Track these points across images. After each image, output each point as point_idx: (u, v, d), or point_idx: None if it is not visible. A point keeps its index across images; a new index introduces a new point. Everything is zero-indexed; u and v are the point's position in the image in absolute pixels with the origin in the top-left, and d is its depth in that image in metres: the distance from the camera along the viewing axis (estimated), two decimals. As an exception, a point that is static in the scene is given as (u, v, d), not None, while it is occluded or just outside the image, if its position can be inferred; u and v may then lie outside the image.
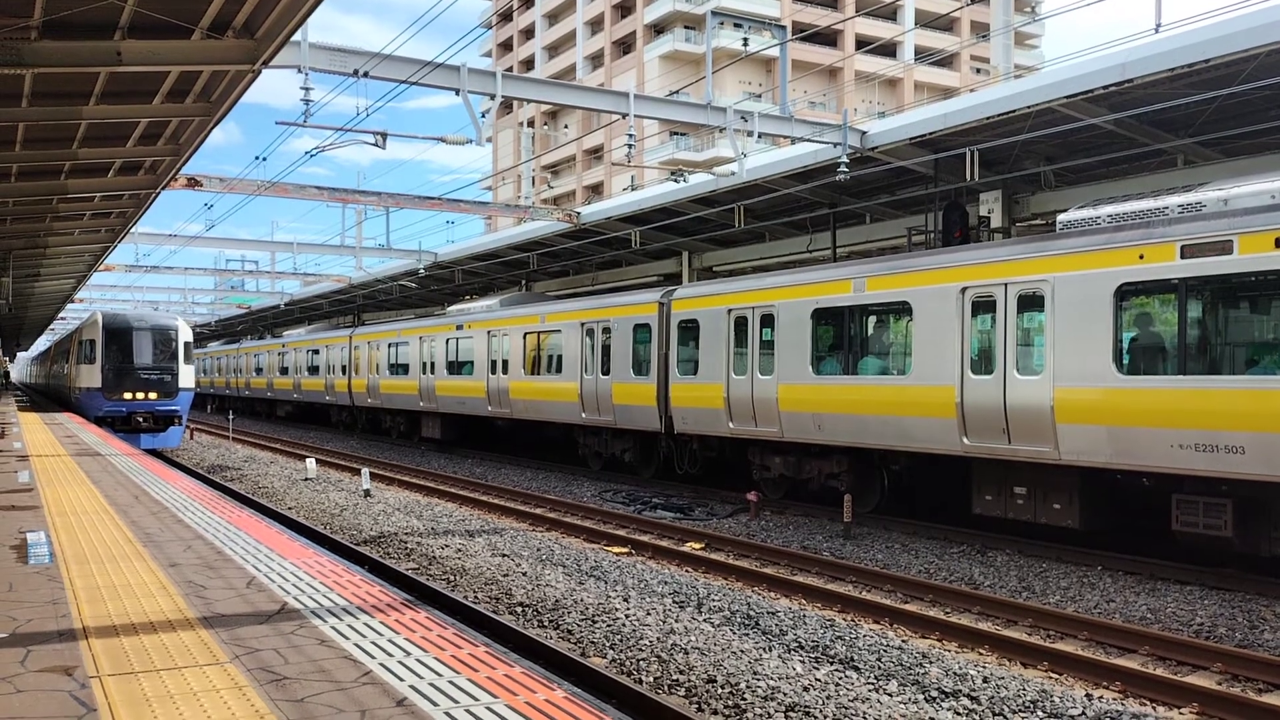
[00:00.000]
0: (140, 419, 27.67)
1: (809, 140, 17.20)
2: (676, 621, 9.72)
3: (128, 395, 27.65)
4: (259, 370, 48.74)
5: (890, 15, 72.58)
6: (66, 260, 28.12)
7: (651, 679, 8.22)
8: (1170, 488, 11.68)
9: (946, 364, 13.87)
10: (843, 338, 15.86)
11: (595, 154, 75.60)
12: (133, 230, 23.59)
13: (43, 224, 20.16)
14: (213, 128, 12.80)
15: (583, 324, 22.38)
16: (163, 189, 16.94)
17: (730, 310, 17.96)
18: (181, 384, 28.40)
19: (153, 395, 27.91)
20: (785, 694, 7.53)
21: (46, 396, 52.18)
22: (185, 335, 28.82)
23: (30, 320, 51.98)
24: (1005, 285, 13.19)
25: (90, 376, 27.94)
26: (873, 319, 15.91)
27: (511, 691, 4.86)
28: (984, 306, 13.58)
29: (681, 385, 19.10)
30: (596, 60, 78.79)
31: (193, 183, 19.87)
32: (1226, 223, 10.91)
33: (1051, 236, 13.13)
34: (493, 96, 14.54)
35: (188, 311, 56.03)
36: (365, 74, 13.30)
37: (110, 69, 9.70)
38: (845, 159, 16.76)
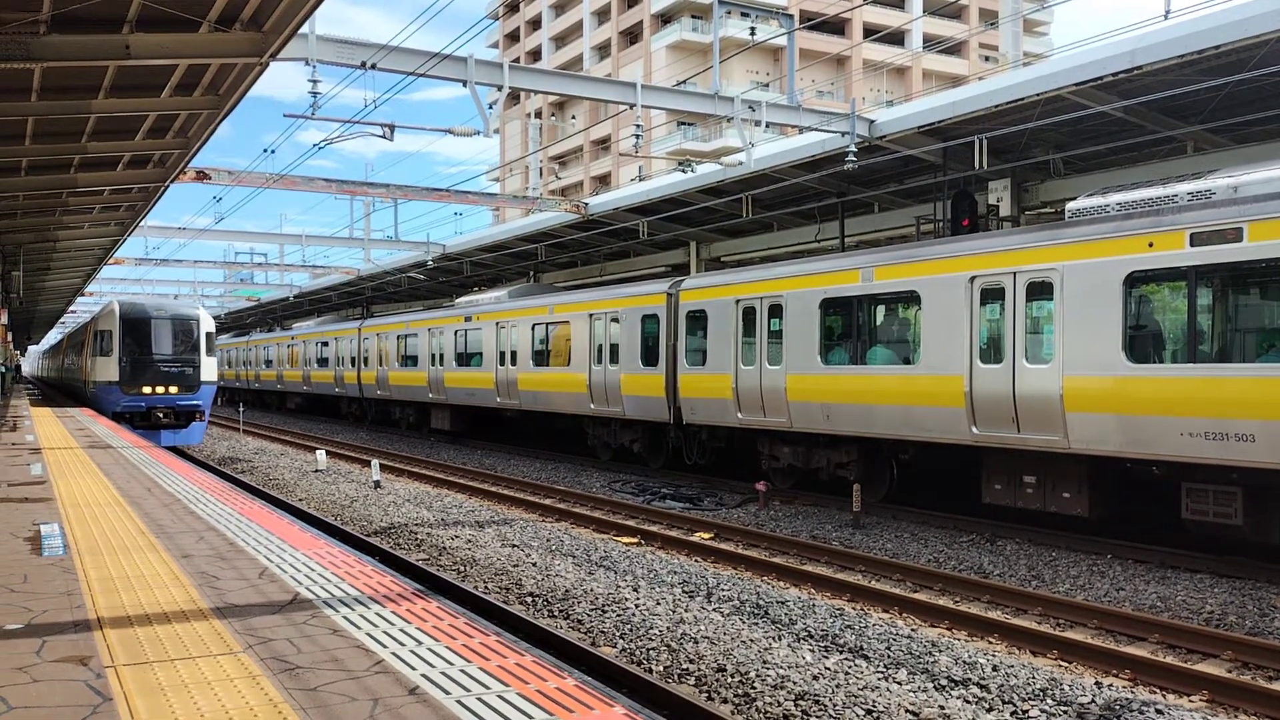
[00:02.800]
0: (160, 414, 26.15)
1: (817, 129, 17.17)
2: (686, 611, 9.75)
3: (147, 389, 26.08)
4: (268, 362, 48.90)
5: (898, 3, 72.22)
6: (76, 254, 28.25)
7: (661, 668, 8.25)
8: (1180, 476, 11.66)
9: (955, 353, 13.85)
10: (851, 327, 15.84)
11: (603, 145, 75.50)
12: (142, 223, 23.68)
13: (53, 218, 20.25)
14: (221, 120, 12.83)
15: (591, 315, 22.40)
16: (171, 182, 17.00)
17: (738, 300, 17.96)
18: (204, 377, 26.78)
19: (173, 389, 26.30)
20: (795, 682, 7.56)
21: (60, 391, 50.83)
22: (207, 325, 27.21)
23: (41, 314, 52.22)
24: (1014, 274, 13.16)
25: (106, 369, 26.36)
26: (881, 308, 15.88)
27: (522, 680, 4.89)
28: (993, 295, 13.55)
29: (690, 376, 19.11)
30: (603, 51, 78.63)
31: (201, 176, 19.92)
32: (1237, 210, 10.87)
33: (1060, 225, 13.09)
34: (500, 88, 14.55)
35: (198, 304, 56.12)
36: (373, 66, 13.31)
37: (119, 63, 9.73)
38: (853, 148, 16.73)
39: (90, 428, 23.00)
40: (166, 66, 10.56)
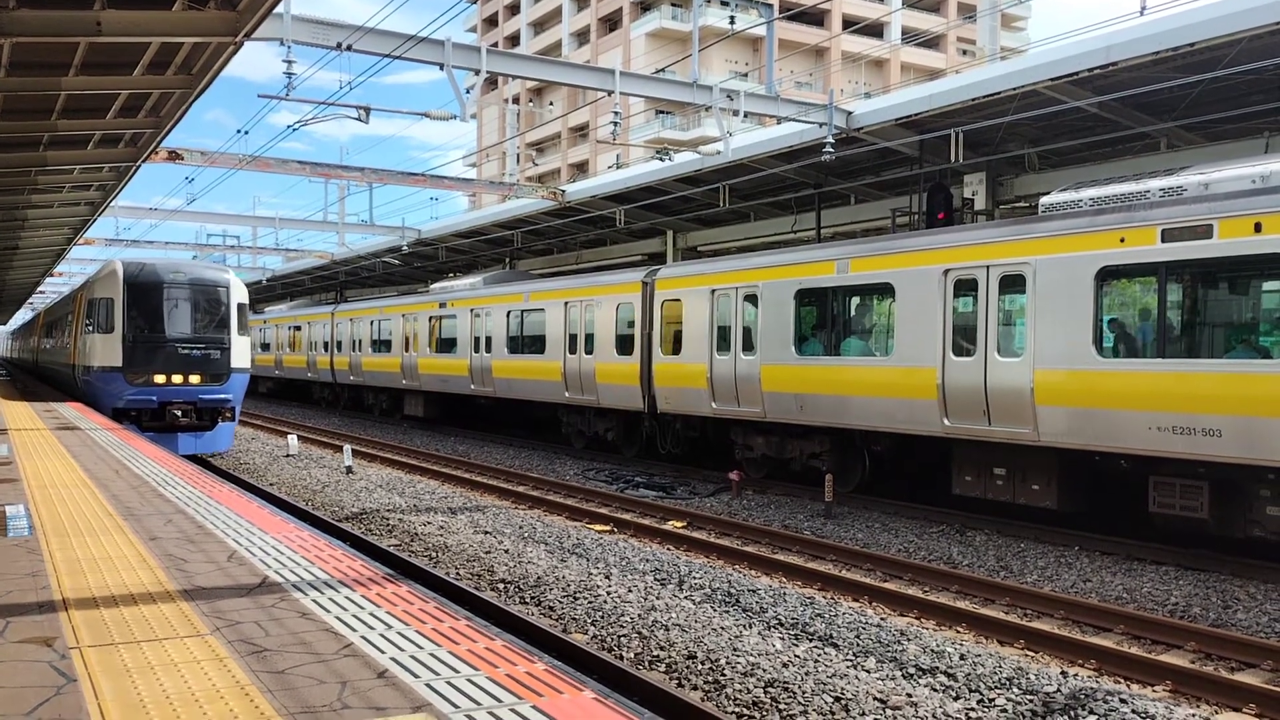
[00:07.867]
0: (177, 412, 20.10)
1: (795, 120, 17.18)
2: (658, 599, 9.77)
3: (159, 378, 20.03)
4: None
5: (877, -4, 72.34)
6: (46, 233, 27.82)
7: (632, 655, 8.27)
8: (1148, 470, 11.80)
9: (928, 345, 13.93)
10: (826, 318, 15.90)
11: (580, 132, 75.26)
12: (113, 203, 23.38)
13: (21, 196, 19.94)
14: (194, 100, 12.68)
15: (566, 303, 22.35)
16: (143, 162, 16.79)
17: (714, 290, 17.97)
18: (235, 363, 20.73)
19: (195, 378, 20.24)
20: (765, 670, 7.59)
21: (36, 377, 43.39)
22: (239, 294, 21.06)
23: (8, 295, 51.50)
24: (987, 267, 13.24)
25: (105, 351, 20.20)
26: (855, 300, 15.95)
27: (492, 664, 4.88)
28: (966, 288, 13.63)
29: (665, 365, 19.12)
30: (582, 37, 78.33)
31: (174, 156, 19.71)
32: (1207, 207, 10.98)
33: (1033, 219, 13.18)
34: (477, 72, 14.47)
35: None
36: (348, 47, 13.20)
37: (90, 39, 9.59)
38: (831, 139, 16.76)
39: (57, 409, 22.71)
40: (138, 44, 10.41)
